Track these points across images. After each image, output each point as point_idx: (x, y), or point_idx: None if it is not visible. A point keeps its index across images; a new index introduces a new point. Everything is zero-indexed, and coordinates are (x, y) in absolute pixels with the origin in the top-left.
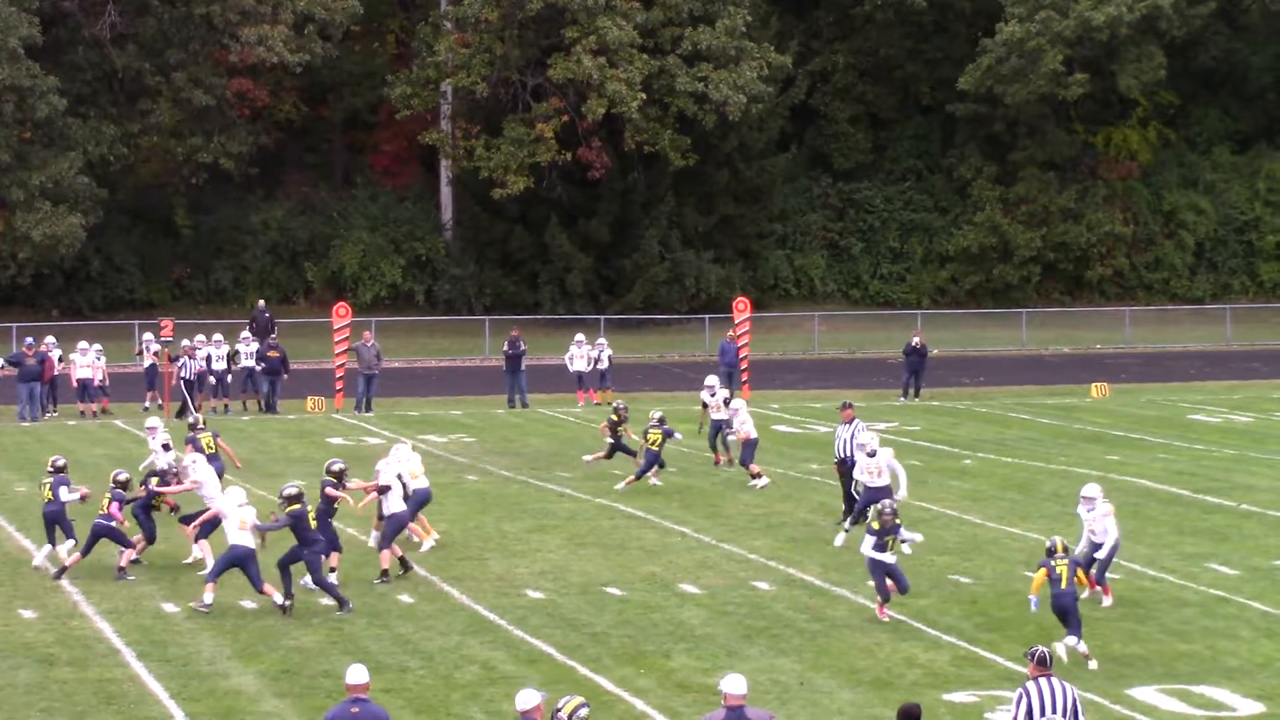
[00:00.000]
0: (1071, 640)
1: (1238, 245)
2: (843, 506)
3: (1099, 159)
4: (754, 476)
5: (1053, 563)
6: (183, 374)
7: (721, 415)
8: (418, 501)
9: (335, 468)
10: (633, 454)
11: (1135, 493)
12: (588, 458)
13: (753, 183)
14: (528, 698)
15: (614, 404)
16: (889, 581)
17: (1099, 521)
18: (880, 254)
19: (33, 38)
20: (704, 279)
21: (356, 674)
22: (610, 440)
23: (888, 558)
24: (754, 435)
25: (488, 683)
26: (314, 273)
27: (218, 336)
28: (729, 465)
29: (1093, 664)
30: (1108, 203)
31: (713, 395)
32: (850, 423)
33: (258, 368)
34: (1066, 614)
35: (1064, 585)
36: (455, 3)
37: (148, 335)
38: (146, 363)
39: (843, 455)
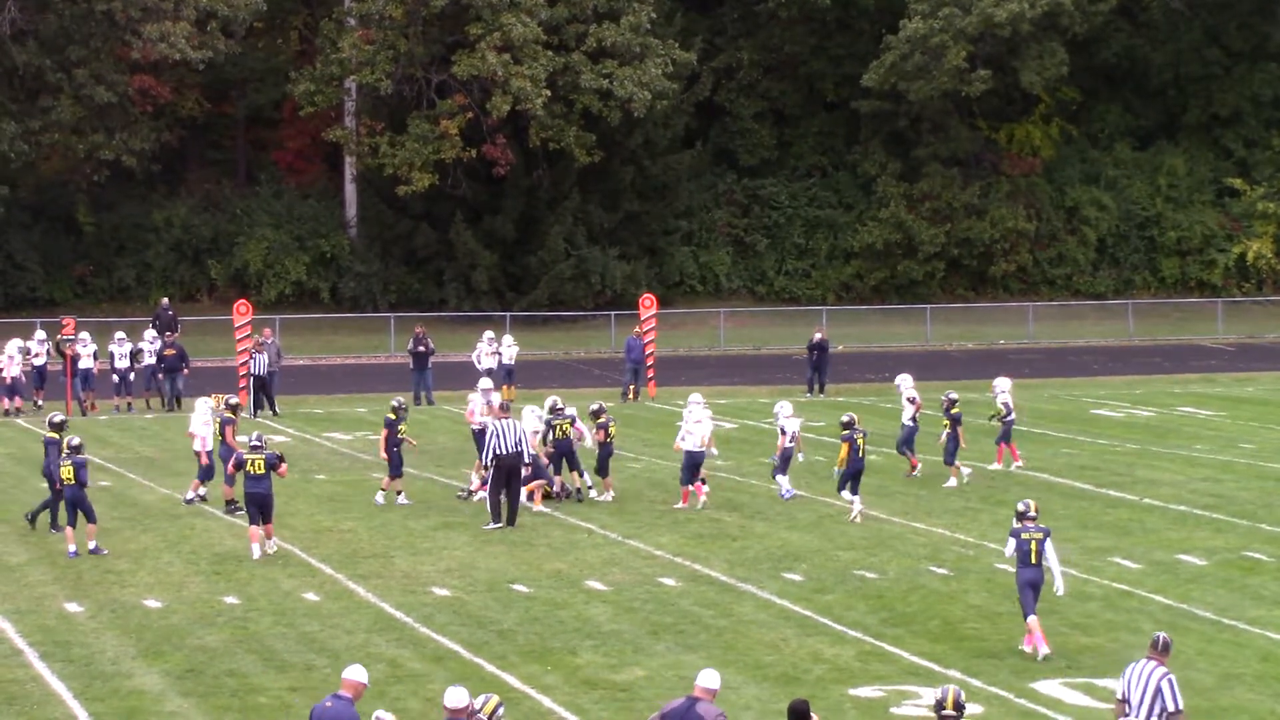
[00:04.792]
0: (853, 499)
1: (1139, 241)
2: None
3: (1002, 155)
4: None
5: (854, 435)
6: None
7: None
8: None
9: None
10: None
11: (1038, 487)
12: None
13: (658, 179)
14: (457, 696)
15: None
16: None
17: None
18: (785, 250)
19: None
20: (609, 276)
21: (354, 671)
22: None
23: None
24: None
25: (394, 680)
26: (217, 270)
27: (120, 334)
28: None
29: (857, 518)
30: (1011, 199)
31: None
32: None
33: (160, 366)
34: (859, 476)
35: (861, 455)
36: None
37: (40, 333)
38: (38, 362)
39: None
